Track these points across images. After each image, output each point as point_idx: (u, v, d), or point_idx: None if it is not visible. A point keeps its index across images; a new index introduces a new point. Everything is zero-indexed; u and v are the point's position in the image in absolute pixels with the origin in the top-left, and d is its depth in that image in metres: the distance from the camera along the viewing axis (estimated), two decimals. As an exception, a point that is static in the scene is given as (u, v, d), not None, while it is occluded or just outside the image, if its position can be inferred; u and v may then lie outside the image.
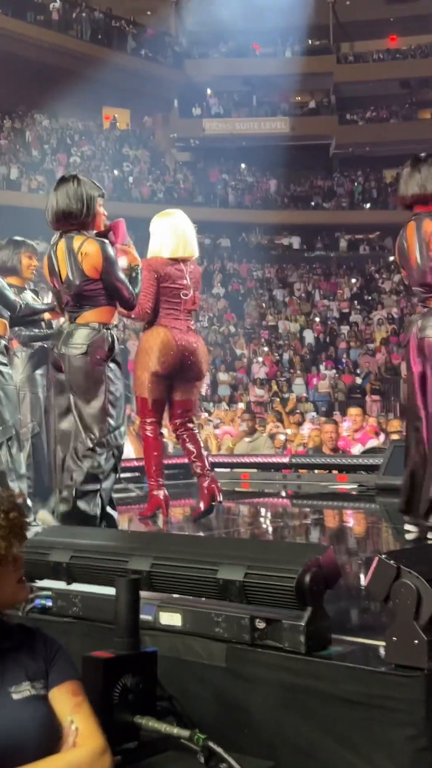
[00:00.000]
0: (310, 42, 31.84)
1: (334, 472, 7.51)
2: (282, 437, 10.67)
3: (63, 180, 4.25)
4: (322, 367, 21.73)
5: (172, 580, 2.69)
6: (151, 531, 4.78)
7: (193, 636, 2.55)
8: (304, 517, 6.04)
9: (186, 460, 5.54)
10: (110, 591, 2.53)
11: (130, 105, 30.95)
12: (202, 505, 5.14)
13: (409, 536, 4.22)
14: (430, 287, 4.03)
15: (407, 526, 4.26)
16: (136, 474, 7.39)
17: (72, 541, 3.09)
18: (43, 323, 5.59)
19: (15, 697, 2.03)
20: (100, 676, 2.23)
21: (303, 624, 2.32)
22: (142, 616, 2.46)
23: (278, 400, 17.62)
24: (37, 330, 5.61)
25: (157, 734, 2.24)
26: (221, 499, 5.18)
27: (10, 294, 5.08)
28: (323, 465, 7.71)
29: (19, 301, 5.15)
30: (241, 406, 16.08)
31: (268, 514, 6.43)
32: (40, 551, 3.01)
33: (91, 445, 4.03)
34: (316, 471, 7.72)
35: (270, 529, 5.57)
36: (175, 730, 2.21)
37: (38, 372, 5.75)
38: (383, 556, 2.23)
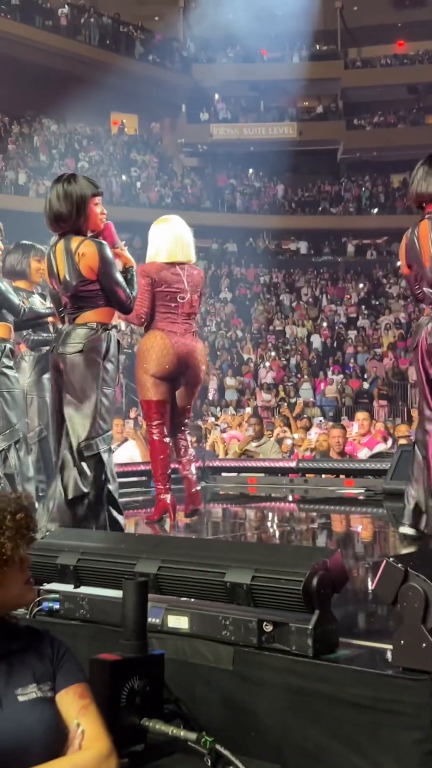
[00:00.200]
0: (317, 47, 31.90)
1: (341, 476, 7.51)
2: (289, 442, 10.66)
3: (57, 180, 4.21)
4: (329, 372, 21.71)
5: (180, 583, 2.69)
6: (159, 534, 4.78)
7: (201, 639, 2.55)
8: (311, 522, 6.03)
9: (196, 464, 5.57)
10: (117, 594, 2.53)
11: (138, 110, 31.02)
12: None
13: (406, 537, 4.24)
14: None
15: (403, 529, 4.26)
16: (143, 478, 7.41)
17: (79, 544, 3.09)
18: (50, 327, 5.60)
19: (21, 699, 2.03)
20: (107, 678, 2.23)
21: (310, 627, 2.32)
22: (150, 619, 2.46)
23: (285, 404, 17.61)
24: (45, 334, 5.63)
25: (164, 737, 2.23)
26: (198, 508, 5.22)
27: (14, 298, 5.09)
28: (330, 469, 7.71)
29: (23, 305, 5.16)
30: (249, 410, 16.06)
31: (275, 519, 6.42)
32: (48, 554, 3.01)
33: (77, 448, 4.00)
34: (323, 475, 7.72)
35: (277, 533, 5.57)
36: (182, 733, 2.21)
37: (45, 376, 5.75)
38: (391, 559, 2.22)
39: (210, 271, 26.67)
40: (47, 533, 3.39)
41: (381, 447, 9.08)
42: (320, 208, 30.50)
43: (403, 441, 8.96)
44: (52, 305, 4.57)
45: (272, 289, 27.45)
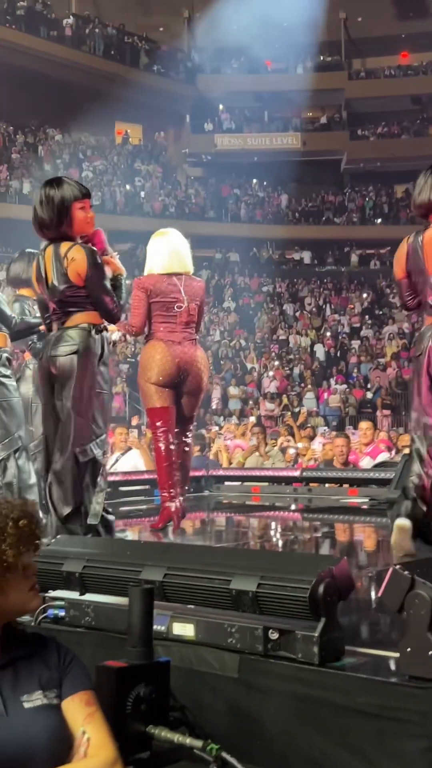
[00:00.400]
0: (321, 58, 31.99)
1: (345, 486, 7.50)
2: (292, 451, 10.66)
3: (42, 185, 4.17)
4: (332, 382, 21.71)
5: (185, 591, 2.69)
6: (164, 541, 4.77)
7: (206, 646, 2.54)
8: (314, 531, 6.02)
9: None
10: (123, 601, 2.53)
11: (142, 120, 31.12)
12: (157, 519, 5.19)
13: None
14: None
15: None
16: (147, 487, 7.41)
17: (85, 551, 3.09)
18: None
19: (27, 705, 2.03)
20: (113, 685, 2.22)
21: (316, 635, 2.32)
22: (155, 627, 2.45)
23: (289, 414, 17.61)
24: None
25: (169, 744, 2.22)
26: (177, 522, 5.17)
27: (6, 309, 5.11)
28: (334, 479, 7.70)
29: (15, 316, 5.18)
30: (252, 419, 16.06)
31: (279, 528, 6.42)
32: (53, 561, 3.01)
33: (72, 456, 3.94)
34: (326, 485, 7.71)
35: (281, 542, 5.56)
36: (188, 741, 2.20)
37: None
38: (397, 566, 2.22)
39: (213, 281, 26.73)
40: (52, 540, 3.39)
41: (384, 456, 9.07)
42: (324, 218, 30.55)
43: (406, 450, 8.94)
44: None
45: (276, 299, 27.48)
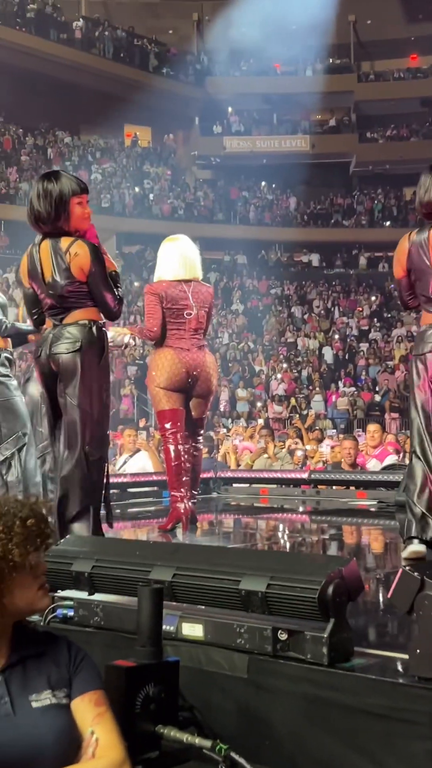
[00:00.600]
0: (331, 61, 31.97)
1: (352, 488, 7.49)
2: (300, 453, 10.66)
3: (39, 178, 4.10)
4: (341, 384, 21.69)
5: (194, 591, 2.69)
6: (173, 542, 4.78)
7: (215, 647, 2.55)
8: (322, 533, 6.02)
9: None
10: (132, 601, 2.54)
11: (151, 123, 31.17)
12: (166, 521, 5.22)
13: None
14: None
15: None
16: (155, 488, 7.42)
17: (94, 551, 3.09)
18: None
19: (35, 705, 2.02)
20: (122, 685, 2.23)
21: (326, 635, 2.32)
22: (164, 627, 2.45)
23: (297, 416, 17.60)
24: None
25: (178, 744, 2.23)
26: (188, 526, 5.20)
27: None
28: (342, 481, 7.69)
29: (6, 320, 5.19)
30: (260, 422, 16.06)
31: (287, 530, 6.41)
32: (63, 561, 3.02)
33: (79, 454, 3.90)
34: (334, 487, 7.70)
35: (289, 544, 5.56)
36: (197, 740, 2.20)
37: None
38: (407, 567, 2.22)
39: (222, 283, 26.74)
40: (62, 540, 3.40)
41: (392, 459, 9.06)
42: (333, 221, 30.53)
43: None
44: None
45: (284, 302, 27.47)
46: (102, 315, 4.06)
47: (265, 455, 10.43)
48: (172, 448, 5.14)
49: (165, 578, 2.72)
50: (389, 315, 26.06)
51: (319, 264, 29.90)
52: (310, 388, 21.48)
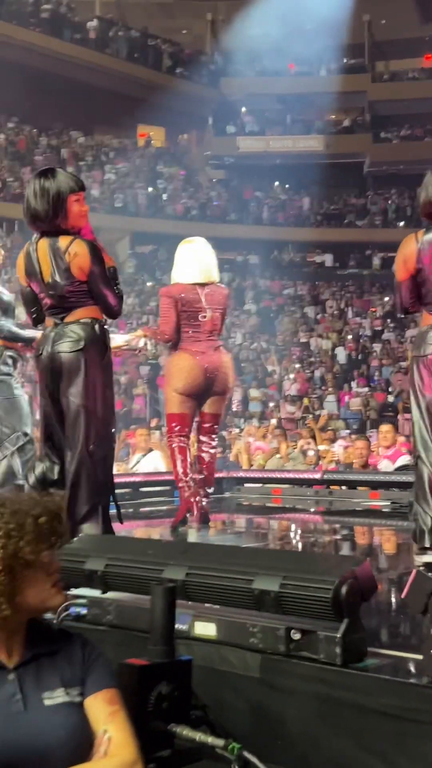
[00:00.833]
0: (345, 61, 31.91)
1: (364, 488, 7.47)
2: (312, 452, 10.64)
3: (35, 175, 4.02)
4: (354, 385, 21.65)
5: (207, 590, 2.69)
6: (186, 541, 4.79)
7: (228, 646, 2.54)
8: (335, 533, 6.01)
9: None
10: (145, 600, 2.54)
11: (165, 123, 31.18)
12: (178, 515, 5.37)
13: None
14: None
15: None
16: (167, 488, 7.43)
17: (107, 550, 3.10)
18: None
19: (47, 702, 2.01)
20: (135, 683, 2.22)
21: (339, 635, 2.31)
22: (177, 626, 2.45)
23: (311, 416, 17.59)
24: None
25: (191, 743, 2.22)
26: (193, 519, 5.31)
27: None
28: (355, 481, 7.68)
29: (5, 323, 5.19)
30: (273, 422, 16.06)
31: (300, 530, 6.41)
32: (76, 559, 3.02)
33: (86, 453, 3.87)
34: (342, 487, 7.68)
35: (301, 544, 5.56)
36: (210, 739, 2.19)
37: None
38: (421, 568, 2.22)
39: (235, 283, 26.72)
40: (74, 539, 3.40)
41: (405, 459, 9.04)
42: (346, 221, 30.46)
43: None
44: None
45: (297, 302, 27.44)
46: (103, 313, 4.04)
47: (278, 455, 10.43)
48: (176, 446, 5.38)
49: (178, 577, 2.71)
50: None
51: (333, 264, 29.85)
52: (323, 388, 21.45)
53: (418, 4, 30.34)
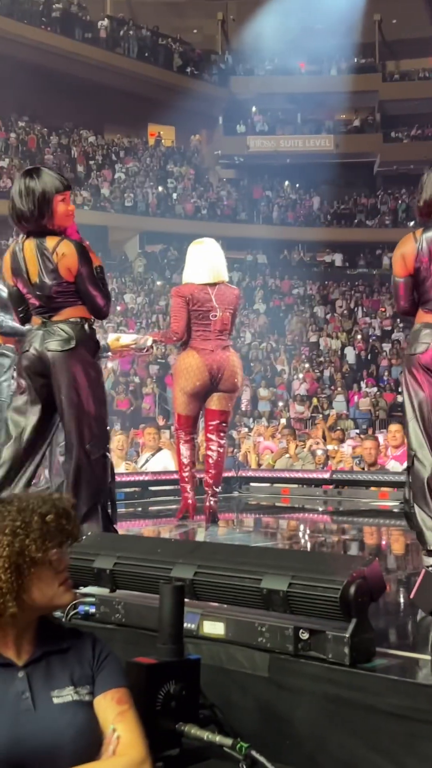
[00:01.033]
0: (355, 60, 31.89)
1: (373, 488, 7.46)
2: (320, 452, 10.62)
3: (20, 175, 3.96)
4: (363, 385, 21.62)
5: (216, 589, 2.69)
6: (195, 540, 4.79)
7: (236, 645, 2.54)
8: (343, 533, 6.00)
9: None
10: (153, 598, 2.54)
11: (175, 122, 31.20)
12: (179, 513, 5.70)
13: None
14: None
15: None
16: (176, 486, 7.42)
17: (116, 548, 3.10)
18: None
19: (56, 701, 2.01)
20: (143, 682, 2.22)
21: (347, 635, 2.31)
22: (185, 625, 2.44)
23: (321, 416, 17.57)
24: None
25: (199, 742, 2.22)
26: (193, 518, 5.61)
27: None
28: (364, 481, 7.67)
29: (4, 319, 5.21)
30: (282, 422, 16.04)
31: (308, 529, 6.40)
32: (85, 557, 3.03)
33: (83, 453, 3.86)
34: (351, 487, 7.68)
35: (310, 543, 5.55)
36: (218, 738, 2.19)
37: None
38: (430, 569, 2.21)
39: (244, 283, 26.72)
40: (83, 537, 3.40)
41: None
42: (356, 221, 30.43)
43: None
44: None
45: (307, 301, 27.41)
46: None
47: (287, 455, 10.41)
48: (181, 445, 5.64)
49: (186, 576, 2.72)
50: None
51: (342, 264, 29.82)
52: (332, 388, 21.43)
53: (428, 3, 30.30)
